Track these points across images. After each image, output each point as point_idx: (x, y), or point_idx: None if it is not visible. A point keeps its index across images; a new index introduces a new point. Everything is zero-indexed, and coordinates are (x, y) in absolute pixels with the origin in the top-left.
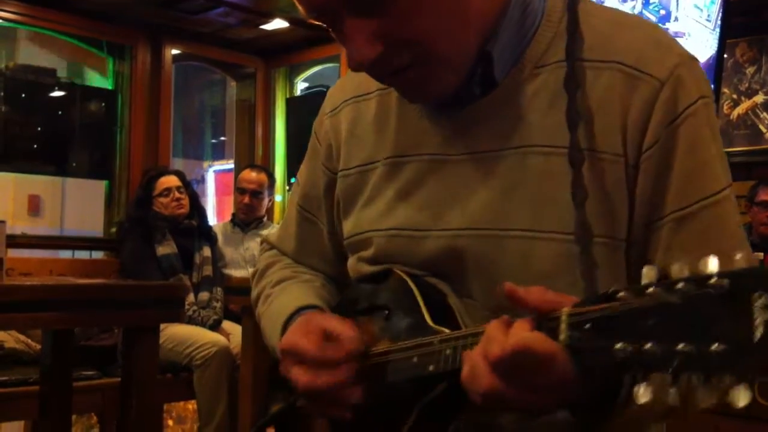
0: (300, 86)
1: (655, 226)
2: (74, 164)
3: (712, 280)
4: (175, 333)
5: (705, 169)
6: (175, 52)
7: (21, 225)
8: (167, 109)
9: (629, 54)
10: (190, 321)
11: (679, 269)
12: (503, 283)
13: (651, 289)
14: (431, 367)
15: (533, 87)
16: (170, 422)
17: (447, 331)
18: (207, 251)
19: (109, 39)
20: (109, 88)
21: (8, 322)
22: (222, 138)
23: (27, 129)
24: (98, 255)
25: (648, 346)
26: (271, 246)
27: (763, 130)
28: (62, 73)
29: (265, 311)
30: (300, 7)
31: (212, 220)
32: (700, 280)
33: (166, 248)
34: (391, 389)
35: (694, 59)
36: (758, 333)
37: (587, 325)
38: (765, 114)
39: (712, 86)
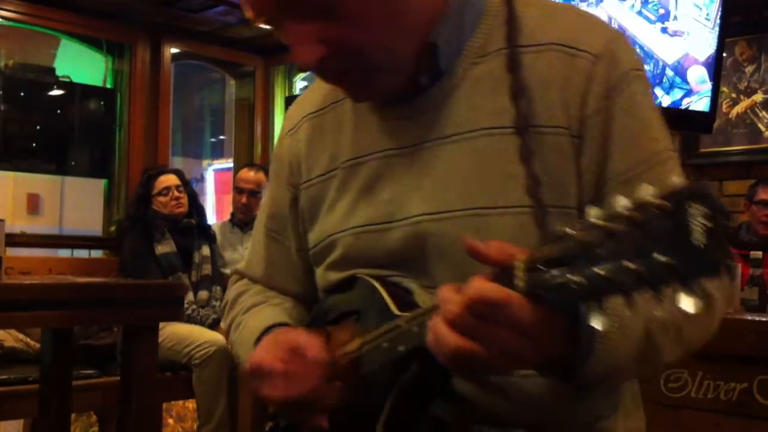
0: (299, 85)
1: (604, 191)
2: (73, 163)
3: (652, 202)
4: (174, 332)
5: (646, 133)
6: (174, 50)
7: (20, 224)
8: (166, 108)
9: (564, 35)
10: (190, 320)
11: (619, 201)
12: (464, 239)
13: (597, 222)
14: (401, 348)
15: (477, 74)
16: (170, 421)
17: (409, 313)
18: (206, 250)
19: (109, 37)
20: (109, 86)
21: (8, 320)
22: (221, 137)
23: (26, 127)
24: (97, 254)
25: (598, 270)
26: (240, 275)
27: (762, 128)
28: (61, 72)
29: (237, 337)
30: (246, 11)
31: (211, 218)
32: (641, 205)
33: (165, 247)
34: (368, 383)
35: (623, 36)
36: (696, 239)
37: (541, 267)
38: (764, 113)
39: (711, 84)
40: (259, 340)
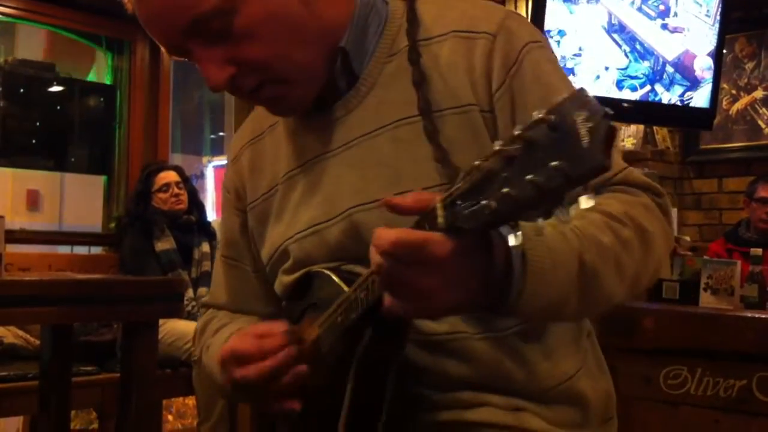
0: None
1: None
2: (73, 159)
3: (543, 118)
4: (174, 328)
5: (550, 95)
6: None
7: (20, 220)
8: (166, 105)
9: (461, 22)
10: (189, 316)
11: (516, 129)
12: (381, 201)
13: (497, 148)
14: (353, 315)
15: (389, 72)
16: (170, 417)
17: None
18: (206, 247)
19: (108, 34)
20: (108, 83)
21: (7, 317)
22: (221, 133)
23: (26, 124)
24: (97, 250)
25: (506, 190)
26: (207, 308)
27: (762, 125)
28: (61, 68)
29: (207, 358)
30: (162, 48)
31: (211, 215)
32: (533, 123)
33: (165, 244)
34: (331, 361)
35: (517, 13)
36: (585, 140)
37: (458, 201)
38: (764, 109)
39: (711, 81)
40: None
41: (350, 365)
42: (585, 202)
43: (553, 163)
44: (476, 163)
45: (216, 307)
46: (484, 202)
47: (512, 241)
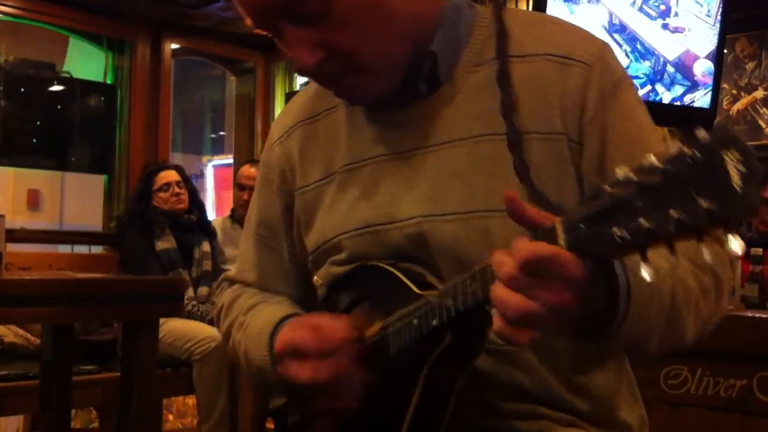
0: (299, 81)
1: None
2: (73, 159)
3: (686, 153)
4: (174, 328)
5: (642, 134)
6: (174, 46)
7: (20, 219)
8: (166, 104)
9: (556, 46)
10: (190, 316)
11: (649, 157)
12: (506, 191)
13: (632, 177)
14: (435, 322)
15: (473, 83)
16: (170, 417)
17: (438, 290)
18: (206, 246)
19: (109, 33)
20: (109, 82)
21: (8, 316)
22: (221, 133)
23: (26, 123)
24: (97, 249)
25: (642, 221)
26: (231, 282)
27: (763, 125)
28: (62, 68)
29: (243, 337)
30: (245, 19)
31: (211, 215)
32: (674, 157)
33: (165, 243)
34: (395, 363)
35: (609, 45)
36: (736, 182)
37: (582, 225)
38: (765, 109)
39: (712, 81)
40: (274, 332)
41: (419, 368)
42: (734, 242)
43: (701, 202)
44: (605, 187)
45: (242, 284)
46: (615, 230)
47: (646, 275)
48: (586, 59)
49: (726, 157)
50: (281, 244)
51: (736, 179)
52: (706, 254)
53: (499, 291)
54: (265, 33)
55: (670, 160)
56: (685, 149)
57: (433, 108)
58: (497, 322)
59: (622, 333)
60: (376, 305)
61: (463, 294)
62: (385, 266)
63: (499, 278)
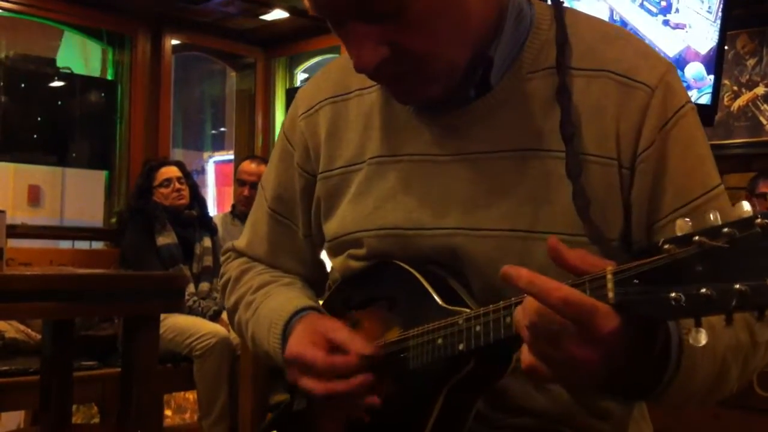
0: (300, 77)
1: (658, 225)
2: (74, 154)
3: (756, 221)
4: (175, 323)
5: (701, 167)
6: (175, 42)
7: (21, 215)
8: (167, 100)
9: (619, 64)
10: (191, 311)
11: (714, 218)
12: (549, 238)
13: (695, 238)
14: (461, 347)
15: (526, 92)
16: (169, 412)
17: (468, 310)
18: (207, 242)
19: (109, 29)
20: (109, 78)
21: (9, 311)
22: (222, 129)
23: (27, 119)
24: (98, 245)
25: (703, 290)
26: (238, 254)
27: (764, 122)
28: (62, 63)
29: (252, 317)
30: (308, 3)
31: (212, 210)
32: (742, 222)
33: (166, 239)
34: (414, 376)
35: (675, 68)
36: None
37: (635, 280)
38: (765, 106)
39: (713, 78)
40: (287, 324)
41: (438, 388)
42: None
43: (766, 279)
44: (665, 245)
45: (250, 257)
46: (672, 294)
47: (702, 340)
48: (649, 82)
49: None
50: (296, 222)
51: None
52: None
53: (525, 333)
54: (323, 19)
55: (739, 225)
56: (756, 215)
57: (478, 113)
58: (526, 358)
59: (669, 394)
60: (395, 309)
61: (495, 324)
62: (410, 269)
63: (527, 319)
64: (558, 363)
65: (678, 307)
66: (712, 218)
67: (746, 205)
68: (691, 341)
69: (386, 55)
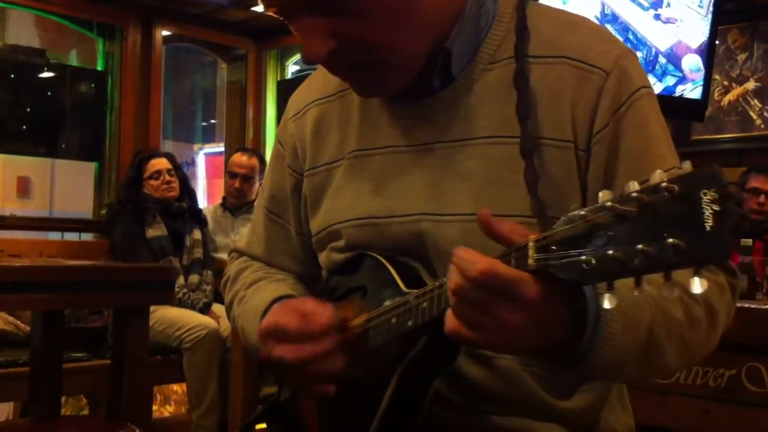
0: (291, 69)
1: None
2: (64, 146)
3: (663, 185)
4: (165, 315)
5: (655, 148)
6: (165, 33)
7: (10, 206)
8: (158, 91)
9: (576, 50)
10: (180, 303)
11: (631, 185)
12: (479, 210)
13: (609, 204)
14: (410, 323)
15: (488, 81)
16: (158, 404)
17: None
18: (197, 234)
19: (100, 20)
20: (99, 69)
21: None
22: (212, 121)
23: (16, 110)
24: (88, 237)
25: (610, 251)
26: (240, 254)
27: (754, 116)
28: (52, 54)
29: (241, 311)
30: (260, 1)
31: (202, 203)
32: (652, 188)
33: (156, 230)
34: (374, 356)
35: (633, 53)
36: (708, 223)
37: (553, 247)
38: (756, 101)
39: (704, 72)
40: (266, 311)
41: (395, 365)
42: (696, 284)
43: (670, 240)
44: (581, 212)
45: (249, 256)
46: (583, 256)
47: (607, 303)
48: (603, 66)
49: (704, 197)
50: (289, 221)
51: (709, 221)
52: (697, 286)
53: (451, 300)
54: (276, 16)
55: (649, 190)
56: (666, 181)
57: (442, 103)
58: (450, 322)
59: (590, 362)
60: (368, 296)
61: (438, 299)
62: (380, 258)
63: (451, 286)
64: (486, 328)
65: (590, 270)
66: (631, 187)
67: (660, 174)
68: (605, 305)
69: (332, 47)
